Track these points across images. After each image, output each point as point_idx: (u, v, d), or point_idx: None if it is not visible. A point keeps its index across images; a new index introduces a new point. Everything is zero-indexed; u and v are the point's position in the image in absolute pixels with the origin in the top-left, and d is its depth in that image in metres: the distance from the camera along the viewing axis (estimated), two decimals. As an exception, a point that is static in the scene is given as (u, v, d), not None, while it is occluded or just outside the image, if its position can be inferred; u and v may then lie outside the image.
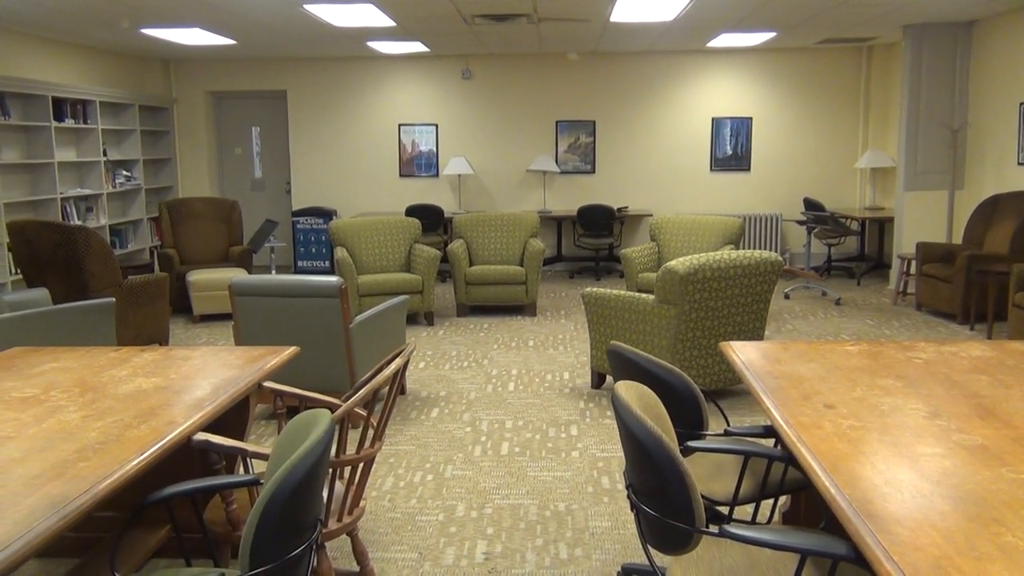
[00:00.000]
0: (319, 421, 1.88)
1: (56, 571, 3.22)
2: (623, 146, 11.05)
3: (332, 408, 2.96)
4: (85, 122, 9.25)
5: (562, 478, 4.19)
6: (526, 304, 8.17)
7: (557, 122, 11.06)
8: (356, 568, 3.07)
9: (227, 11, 7.28)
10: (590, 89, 10.98)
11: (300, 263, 10.89)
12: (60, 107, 8.80)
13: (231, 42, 9.22)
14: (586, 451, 4.55)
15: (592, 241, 10.24)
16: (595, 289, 5.56)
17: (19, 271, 7.37)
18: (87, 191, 9.25)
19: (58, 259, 6.29)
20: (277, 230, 11.05)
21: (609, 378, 5.84)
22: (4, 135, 8.14)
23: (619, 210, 10.34)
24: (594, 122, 11.03)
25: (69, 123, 8.91)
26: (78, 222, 8.92)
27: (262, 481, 2.25)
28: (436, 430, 4.93)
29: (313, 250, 10.84)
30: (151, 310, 6.66)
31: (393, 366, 2.67)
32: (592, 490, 4.03)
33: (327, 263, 10.83)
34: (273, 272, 9.73)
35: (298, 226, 10.84)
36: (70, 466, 2.12)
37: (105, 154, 9.64)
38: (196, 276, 8.08)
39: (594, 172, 11.12)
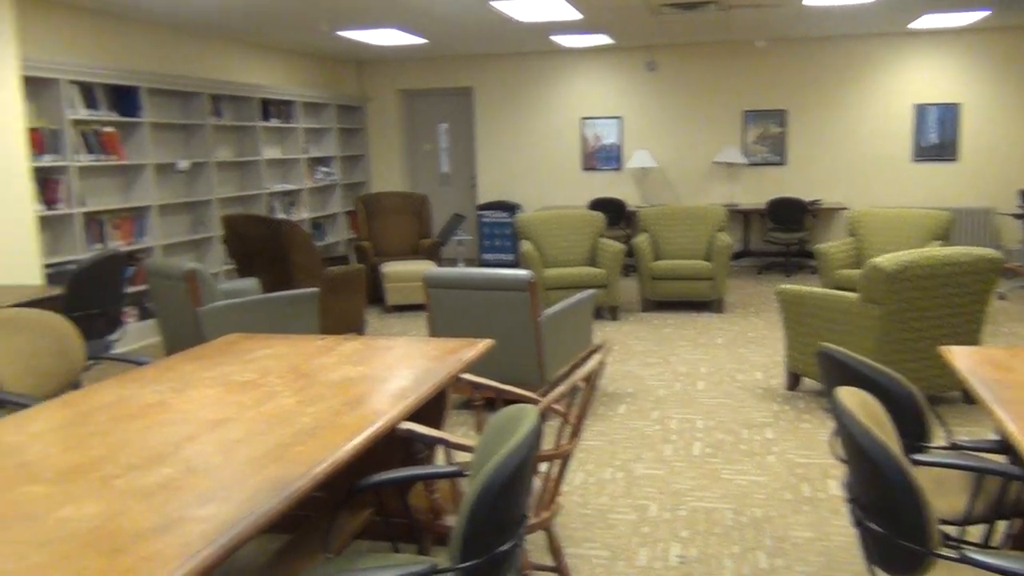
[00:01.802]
0: (527, 417, 1.85)
1: (268, 546, 3.39)
2: (816, 136, 10.54)
3: (530, 403, 2.95)
4: (288, 121, 9.80)
5: (758, 483, 4.01)
6: (713, 300, 7.94)
7: (745, 112, 10.69)
8: (551, 563, 3.05)
9: (419, 10, 7.48)
10: (780, 77, 10.54)
11: (485, 256, 11.09)
12: (267, 108, 9.37)
13: (422, 41, 9.49)
14: (783, 456, 4.35)
15: (782, 235, 9.83)
16: (791, 286, 5.31)
17: (231, 261, 7.89)
18: (290, 186, 9.80)
19: (266, 251, 6.68)
20: (464, 224, 11.29)
21: (807, 380, 5.56)
22: (218, 135, 8.74)
23: (811, 203, 9.87)
24: (784, 111, 10.58)
25: (274, 123, 9.47)
26: (282, 216, 9.47)
27: (465, 472, 2.26)
28: (624, 427, 4.86)
29: (498, 243, 11.01)
30: (349, 300, 6.95)
31: (592, 362, 2.62)
32: (791, 497, 3.84)
33: (511, 256, 10.96)
34: (460, 265, 9.95)
35: (483, 220, 11.04)
36: (287, 449, 2.21)
37: (306, 151, 10.18)
38: (389, 268, 8.38)
39: (784, 163, 10.67)
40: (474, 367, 4.71)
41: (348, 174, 11.46)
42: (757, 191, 10.77)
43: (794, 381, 5.45)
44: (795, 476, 4.08)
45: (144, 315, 7.53)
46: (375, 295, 8.75)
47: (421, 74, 11.61)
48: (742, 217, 10.76)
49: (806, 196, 10.39)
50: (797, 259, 10.52)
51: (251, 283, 6.62)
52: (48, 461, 2.15)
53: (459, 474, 2.27)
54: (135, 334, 7.32)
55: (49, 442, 2.30)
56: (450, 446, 2.50)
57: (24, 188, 5.87)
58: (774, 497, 3.84)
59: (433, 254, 9.20)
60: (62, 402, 2.70)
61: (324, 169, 10.69)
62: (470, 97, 11.59)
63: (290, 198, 9.91)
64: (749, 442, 4.55)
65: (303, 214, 10.03)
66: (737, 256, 10.84)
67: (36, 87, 6.51)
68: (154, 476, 2.03)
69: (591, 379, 2.64)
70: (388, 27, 8.41)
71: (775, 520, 3.61)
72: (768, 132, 10.67)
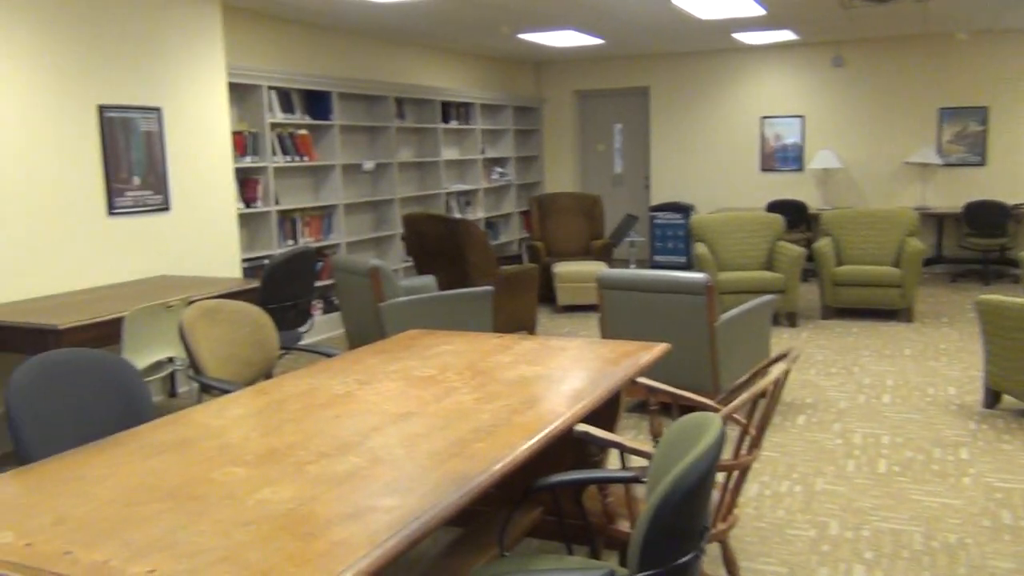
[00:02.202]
0: (711, 425, 1.81)
1: (441, 538, 3.48)
2: (1021, 134, 9.74)
3: (710, 410, 2.88)
4: (467, 123, 10.05)
5: (951, 506, 3.75)
6: (901, 309, 7.49)
7: (940, 109, 10.02)
8: (724, 576, 2.97)
9: (598, 11, 7.48)
10: (982, 72, 9.81)
11: (657, 258, 10.95)
12: (447, 110, 9.65)
13: (599, 41, 9.48)
14: (980, 478, 4.04)
15: (980, 241, 9.15)
16: (992, 296, 4.92)
17: (410, 258, 8.17)
18: (466, 187, 10.04)
19: (444, 249, 6.87)
20: (636, 225, 11.21)
21: (1008, 399, 5.15)
22: (401, 137, 9.08)
23: (1015, 207, 9.13)
24: (986, 108, 9.83)
25: (453, 124, 9.73)
26: (458, 215, 9.72)
27: (643, 479, 2.23)
28: (803, 439, 4.66)
29: (670, 245, 10.85)
30: (521, 299, 7.04)
31: (778, 370, 2.53)
32: (989, 524, 3.56)
33: (684, 259, 10.78)
34: (632, 266, 9.88)
35: (656, 221, 10.91)
36: (467, 445, 2.25)
37: (483, 152, 10.40)
38: (561, 268, 8.42)
39: (984, 164, 9.93)
40: (648, 371, 4.65)
41: (522, 174, 11.62)
42: (952, 193, 10.08)
43: (993, 399, 5.06)
44: (994, 501, 3.78)
45: (329, 308, 7.92)
46: (546, 295, 8.82)
47: (596, 74, 11.61)
48: (935, 221, 10.10)
49: (1009, 199, 9.63)
50: (997, 267, 9.76)
51: (428, 280, 6.83)
52: (247, 445, 2.29)
53: (636, 480, 2.24)
54: (320, 326, 7.71)
55: (248, 427, 2.45)
56: (626, 450, 2.48)
57: (228, 188, 6.31)
58: (970, 523, 3.58)
59: (605, 255, 9.18)
60: (259, 389, 2.88)
61: (499, 169, 10.88)
62: (645, 97, 11.48)
63: (466, 198, 10.16)
64: (941, 462, 4.26)
65: (478, 213, 10.26)
66: (928, 262, 10.18)
67: (240, 93, 6.98)
68: (343, 464, 2.12)
69: (776, 388, 2.55)
70: (567, 29, 8.46)
71: (971, 548, 3.36)
72: (967, 130, 9.96)
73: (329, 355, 3.53)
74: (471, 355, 3.27)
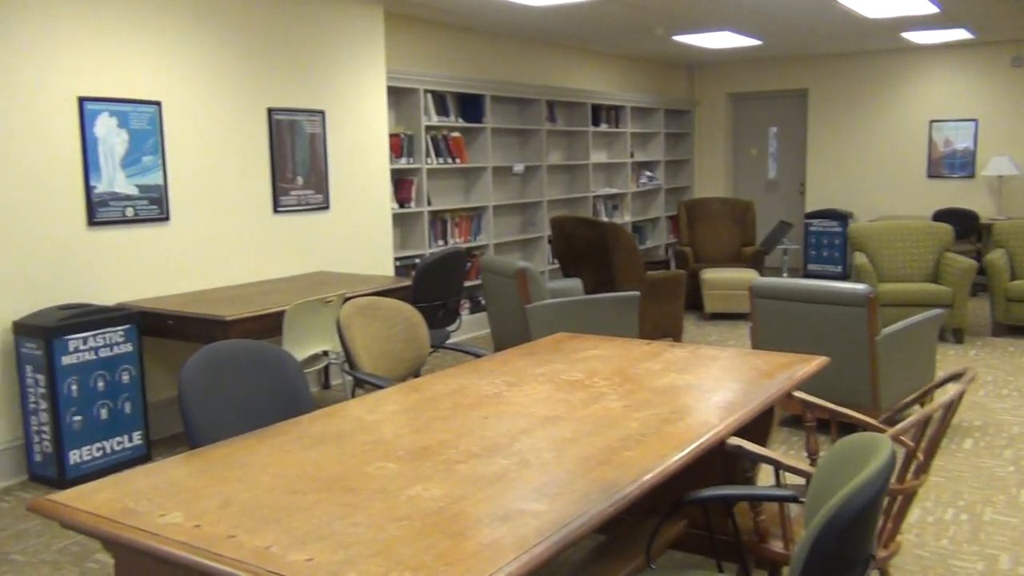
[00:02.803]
0: (880, 447, 1.70)
1: (583, 544, 3.45)
2: None
3: (874, 430, 2.73)
4: (616, 126, 9.98)
5: None
6: (1085, 329, 6.91)
7: None
8: (882, 606, 2.81)
9: (758, 11, 7.26)
10: None
11: (810, 267, 10.55)
12: (597, 113, 9.61)
13: (756, 43, 9.22)
14: None
15: None
16: None
17: (556, 261, 8.18)
18: (614, 190, 9.98)
19: (590, 252, 6.84)
20: (789, 232, 10.83)
21: None
22: (551, 139, 9.11)
23: None
24: None
25: (603, 127, 9.68)
26: (606, 219, 9.66)
27: (800, 499, 2.14)
28: (970, 464, 4.36)
29: (825, 254, 10.43)
30: (667, 305, 6.93)
31: (951, 392, 2.36)
32: None
33: (839, 268, 10.33)
34: (784, 275, 9.55)
35: (811, 228, 10.51)
36: (616, 453, 2.22)
37: (632, 156, 10.31)
38: (709, 274, 8.24)
39: None
40: (804, 385, 4.47)
41: (672, 178, 11.44)
42: None
43: None
44: None
45: (475, 308, 8.03)
46: (693, 301, 8.64)
47: (752, 76, 11.29)
48: None
49: None
50: None
51: (575, 283, 6.82)
52: (399, 441, 2.34)
53: (794, 499, 2.15)
54: (466, 326, 7.83)
55: (400, 423, 2.50)
56: (782, 468, 2.38)
57: (384, 188, 6.50)
58: None
59: (756, 262, 8.91)
60: (411, 386, 2.93)
61: (648, 173, 10.75)
62: (803, 99, 11.08)
63: (614, 201, 10.09)
64: None
65: (626, 217, 10.17)
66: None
67: (398, 96, 7.18)
68: (492, 466, 2.13)
69: (948, 411, 2.39)
70: (723, 30, 8.26)
71: None
72: None
73: (478, 355, 3.57)
74: (619, 361, 3.23)
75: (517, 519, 1.81)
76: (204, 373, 2.60)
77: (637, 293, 5.67)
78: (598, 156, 9.88)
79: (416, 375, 3.64)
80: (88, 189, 4.61)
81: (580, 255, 7.02)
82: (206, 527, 1.79)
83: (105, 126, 4.66)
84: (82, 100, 4.55)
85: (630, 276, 6.73)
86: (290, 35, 5.67)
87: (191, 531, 1.77)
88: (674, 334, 7.03)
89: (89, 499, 1.97)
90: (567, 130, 9.24)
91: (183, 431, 5.15)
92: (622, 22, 7.69)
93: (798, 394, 2.95)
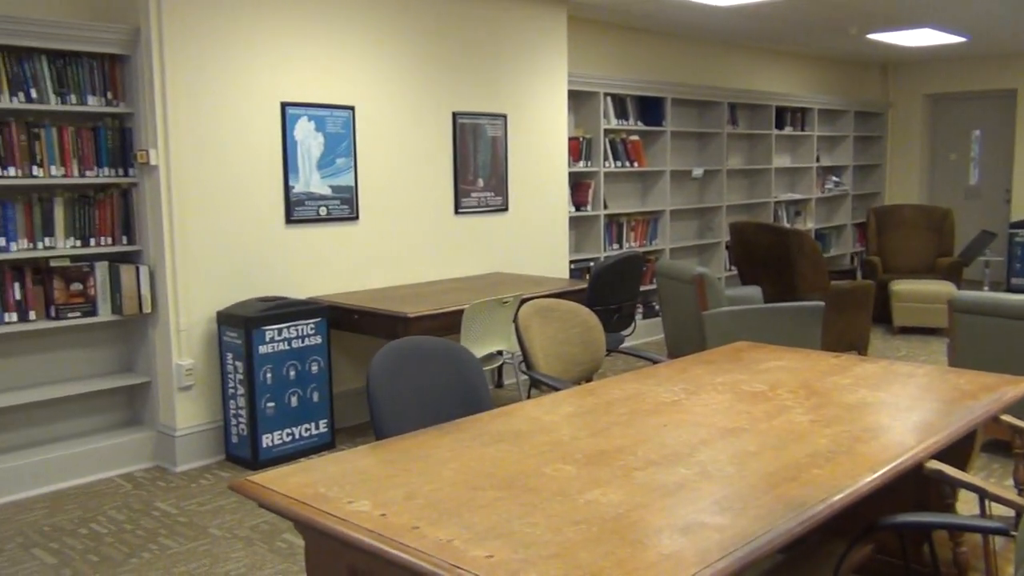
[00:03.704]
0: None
1: (760, 562, 3.33)
2: None
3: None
4: (802, 129, 9.60)
5: None
6: None
7: None
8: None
9: (966, 6, 6.78)
10: None
11: (1014, 280, 9.76)
12: (781, 116, 9.28)
13: (960, 40, 8.62)
14: None
15: None
16: None
17: (733, 267, 7.96)
18: (797, 196, 9.60)
19: (771, 259, 6.61)
20: (992, 242, 10.06)
21: None
22: (732, 143, 8.88)
23: None
24: None
25: (788, 131, 9.34)
26: (787, 225, 9.32)
27: (1012, 532, 1.97)
28: None
29: (1033, 267, 9.62)
30: (853, 317, 6.59)
31: None
32: None
33: (1049, 283, 9.50)
34: (986, 288, 8.88)
35: (1016, 239, 9.72)
36: (803, 470, 2.12)
37: (818, 160, 9.88)
38: (899, 286, 7.77)
39: None
40: (1013, 408, 4.14)
41: (860, 184, 10.89)
42: None
43: None
44: None
45: (648, 313, 7.94)
46: (880, 313, 8.18)
47: (953, 76, 10.57)
48: None
49: None
50: None
51: (754, 291, 6.61)
52: (577, 444, 2.33)
53: (1004, 532, 1.98)
54: (639, 331, 7.75)
55: (577, 426, 2.50)
56: (989, 497, 2.20)
57: (562, 191, 6.54)
58: None
59: (952, 274, 8.32)
60: (587, 389, 2.92)
61: (835, 178, 10.28)
62: (1011, 100, 10.26)
63: (796, 207, 9.71)
64: None
65: (808, 224, 9.77)
66: None
67: (578, 100, 7.21)
68: (671, 475, 2.08)
69: None
70: (925, 27, 7.78)
71: None
72: None
73: (655, 361, 3.52)
74: (804, 373, 3.09)
75: (698, 531, 1.76)
76: (390, 367, 2.70)
77: (822, 304, 5.42)
78: (781, 160, 9.54)
79: (590, 379, 3.64)
80: (287, 189, 4.89)
81: (759, 262, 6.80)
82: (392, 517, 1.84)
83: (303, 130, 4.93)
84: (284, 105, 4.84)
85: (813, 285, 6.45)
86: (475, 41, 5.80)
87: (377, 519, 1.83)
88: (859, 348, 6.67)
89: (284, 482, 2.08)
90: (749, 133, 8.97)
91: (365, 421, 5.38)
92: (812, 21, 7.39)
93: (1006, 418, 2.72)
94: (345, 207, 5.18)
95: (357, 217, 5.25)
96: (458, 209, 5.80)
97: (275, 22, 4.78)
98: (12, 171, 4.16)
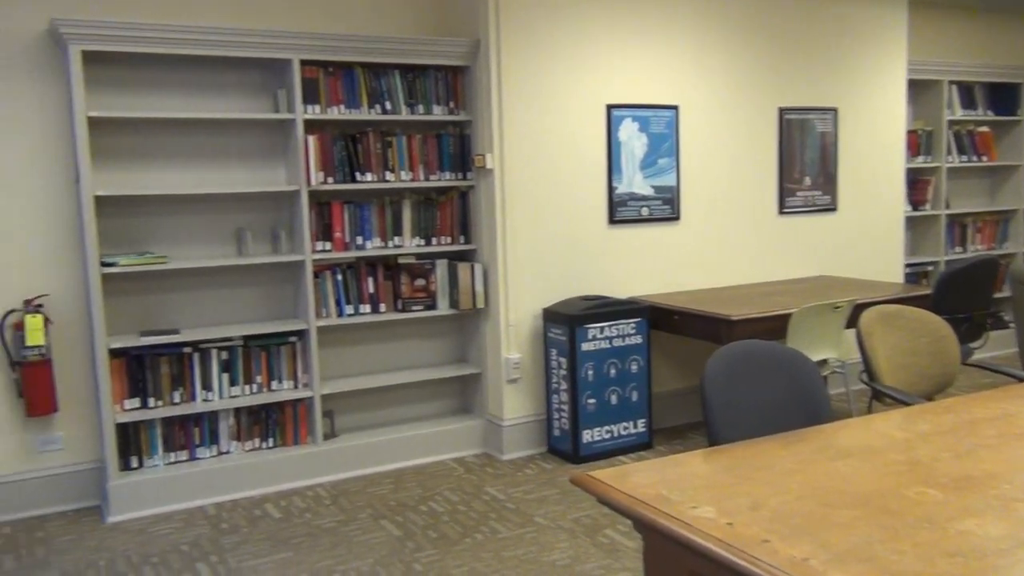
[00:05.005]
0: None
1: None
2: None
3: None
4: None
5: None
6: None
7: None
8: None
9: None
10: None
11: None
12: None
13: None
14: None
15: None
16: None
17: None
18: None
19: None
20: None
21: None
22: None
23: None
24: None
25: None
26: None
27: None
28: None
29: None
30: None
31: None
32: None
33: None
34: None
35: None
36: None
37: None
38: None
39: None
40: None
41: None
42: None
43: None
44: None
45: (996, 324, 7.11)
46: None
47: None
48: None
49: None
50: None
51: None
52: (938, 466, 2.12)
53: None
54: (988, 343, 6.97)
55: (936, 446, 2.27)
56: None
57: (897, 189, 6.05)
58: None
59: None
60: (944, 406, 2.65)
61: None
62: None
63: None
64: None
65: None
66: None
67: (916, 89, 6.63)
68: (1062, 510, 1.82)
69: None
70: None
71: None
72: None
73: (1020, 379, 3.12)
74: None
75: (1107, 580, 1.52)
76: (725, 371, 2.62)
77: None
78: None
79: (935, 395, 3.30)
80: (610, 190, 4.96)
81: None
82: (739, 527, 1.78)
83: (627, 131, 4.98)
84: (609, 107, 4.91)
85: None
86: (804, 34, 5.53)
87: (724, 528, 1.77)
88: None
89: (624, 480, 2.08)
90: None
91: (683, 423, 5.32)
92: None
93: None
94: (666, 207, 5.15)
95: (678, 217, 5.20)
96: (782, 209, 5.56)
97: (601, 27, 4.86)
98: (369, 176, 4.60)
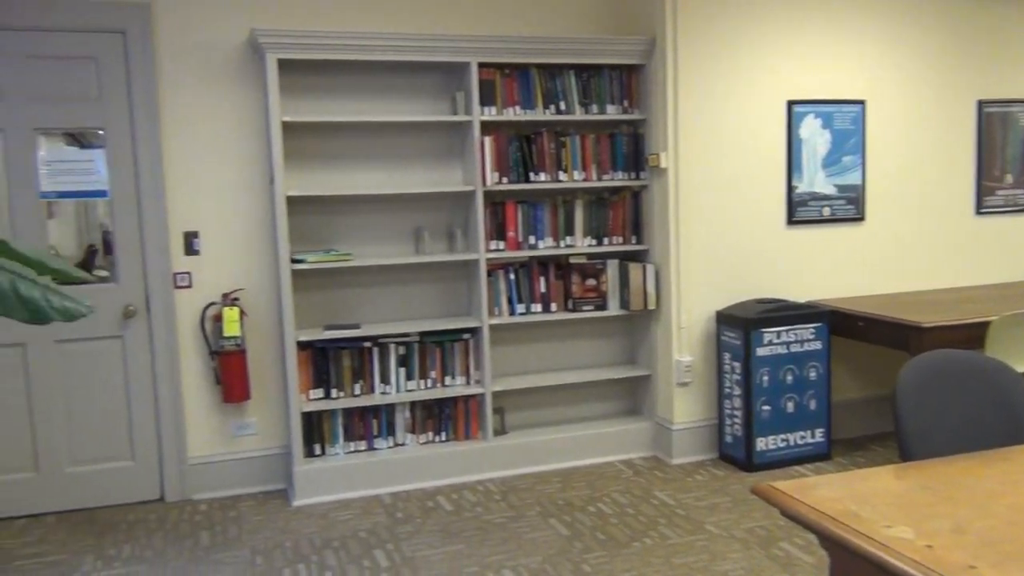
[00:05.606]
0: None
1: None
2: None
3: None
4: None
5: None
6: None
7: None
8: None
9: None
10: None
11: None
12: None
13: None
14: None
15: None
16: None
17: None
18: None
19: None
20: None
21: None
22: None
23: None
24: None
25: None
26: None
27: None
28: None
29: None
30: None
31: None
32: None
33: None
34: None
35: None
36: None
37: None
38: None
39: None
40: None
41: None
42: None
43: None
44: None
45: None
46: None
47: None
48: None
49: None
50: None
51: None
52: None
53: None
54: None
55: None
56: None
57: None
58: None
59: None
60: None
61: None
62: None
63: None
64: None
65: None
66: None
67: None
68: None
69: None
70: None
71: None
72: None
73: None
74: None
75: None
76: (920, 382, 2.46)
77: None
78: None
79: None
80: (790, 189, 4.78)
81: None
82: (940, 550, 1.66)
83: (809, 128, 4.77)
84: (790, 103, 4.73)
85: None
86: (1007, 20, 5.12)
87: (923, 551, 1.66)
88: None
89: (809, 493, 2.00)
90: None
91: (864, 435, 5.06)
92: None
93: None
94: (850, 207, 4.91)
95: (863, 218, 4.95)
96: (980, 209, 5.18)
97: (782, 19, 4.69)
98: (543, 176, 4.63)
